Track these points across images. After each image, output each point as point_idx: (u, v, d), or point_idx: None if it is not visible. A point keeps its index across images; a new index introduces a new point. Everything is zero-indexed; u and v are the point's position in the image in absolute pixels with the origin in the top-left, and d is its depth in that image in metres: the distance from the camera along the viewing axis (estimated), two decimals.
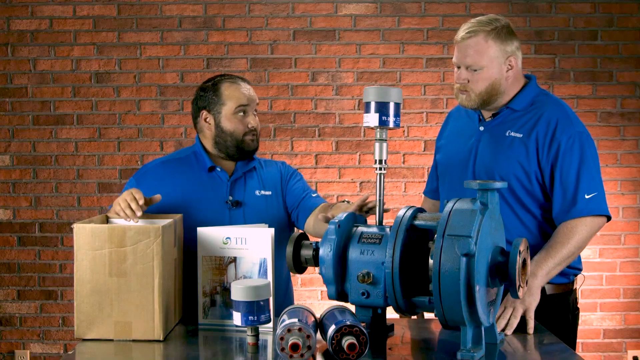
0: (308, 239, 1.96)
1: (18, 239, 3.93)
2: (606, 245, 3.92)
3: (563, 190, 2.12)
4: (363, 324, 1.83)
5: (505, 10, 3.87)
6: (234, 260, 2.01)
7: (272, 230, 2.00)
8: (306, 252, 1.92)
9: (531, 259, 2.05)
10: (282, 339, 1.64)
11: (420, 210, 1.88)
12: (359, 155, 3.94)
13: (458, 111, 2.40)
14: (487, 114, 2.27)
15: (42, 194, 3.92)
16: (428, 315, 2.10)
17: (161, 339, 1.87)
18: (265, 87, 3.90)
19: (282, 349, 1.64)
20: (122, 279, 1.86)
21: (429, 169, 2.61)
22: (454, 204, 1.74)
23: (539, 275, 2.03)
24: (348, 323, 1.66)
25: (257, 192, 2.35)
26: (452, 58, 2.22)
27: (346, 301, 1.88)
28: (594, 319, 3.92)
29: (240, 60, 3.91)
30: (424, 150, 3.92)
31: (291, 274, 2.18)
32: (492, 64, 2.14)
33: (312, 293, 3.93)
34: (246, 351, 1.82)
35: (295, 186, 2.41)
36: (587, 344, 3.91)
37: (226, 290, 2.00)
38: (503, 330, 1.95)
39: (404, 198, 3.92)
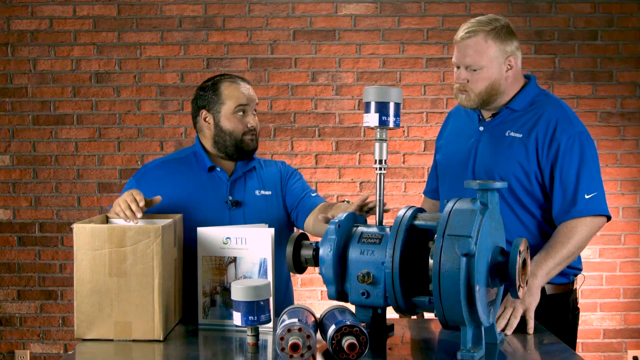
0: (308, 239, 1.96)
1: (18, 239, 3.93)
2: (606, 245, 3.92)
3: (563, 190, 2.12)
4: (363, 324, 1.83)
5: (505, 10, 3.87)
6: (234, 260, 2.01)
7: (272, 230, 2.00)
8: (306, 252, 1.92)
9: (531, 259, 2.05)
10: (282, 339, 1.64)
11: (420, 210, 1.88)
12: (359, 155, 3.94)
13: (458, 111, 2.40)
14: (486, 114, 2.27)
15: (42, 194, 3.92)
16: (428, 315, 2.10)
17: (161, 339, 1.87)
18: (265, 87, 3.90)
19: (282, 349, 1.64)
20: (122, 279, 1.86)
21: (429, 169, 2.61)
22: (454, 204, 1.74)
23: (539, 275, 2.03)
24: (348, 323, 1.66)
25: (257, 192, 2.35)
26: (452, 58, 2.22)
27: (346, 301, 1.88)
28: (594, 319, 3.92)
29: (240, 60, 3.91)
30: (424, 150, 3.92)
31: (291, 274, 2.18)
32: (492, 64, 2.14)
33: (312, 293, 3.93)
34: (246, 351, 1.82)
35: (294, 186, 2.41)
36: (587, 344, 3.92)
37: (226, 290, 2.00)
38: (503, 330, 1.95)
39: (404, 198, 3.92)
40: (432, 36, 3.91)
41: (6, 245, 3.93)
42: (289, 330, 1.64)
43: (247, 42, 3.91)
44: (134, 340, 1.87)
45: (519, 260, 1.70)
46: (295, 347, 1.63)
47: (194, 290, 2.07)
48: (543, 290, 2.08)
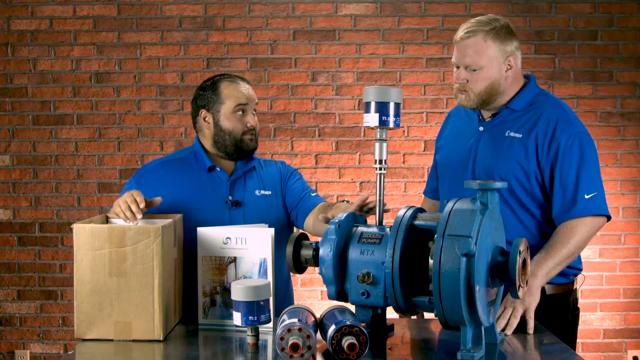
0: (308, 239, 1.96)
1: (18, 239, 3.93)
2: (606, 245, 3.92)
3: (563, 190, 2.12)
4: (363, 324, 1.83)
5: (505, 10, 3.87)
6: (234, 260, 2.01)
7: (272, 230, 2.00)
8: (306, 252, 1.92)
9: (531, 259, 2.05)
10: (282, 339, 1.64)
11: (420, 210, 1.88)
12: (359, 155, 3.94)
13: (458, 111, 2.40)
14: (486, 114, 2.27)
15: (42, 194, 3.92)
16: (428, 315, 2.10)
17: (161, 339, 1.87)
18: (265, 87, 3.90)
19: (282, 349, 1.64)
20: (122, 279, 1.86)
21: (429, 169, 2.61)
22: (454, 204, 1.74)
23: (538, 275, 2.03)
24: (348, 323, 1.66)
25: (256, 192, 2.35)
26: (452, 58, 2.22)
27: (346, 301, 1.88)
28: (594, 319, 3.92)
29: (240, 60, 3.91)
30: (424, 150, 3.92)
31: (291, 273, 2.18)
32: (492, 63, 2.14)
33: (312, 293, 3.93)
34: (246, 351, 1.82)
35: (294, 185, 2.41)
36: (587, 344, 3.92)
37: (226, 290, 2.00)
38: (503, 330, 1.95)
39: (404, 198, 3.92)
40: (432, 36, 3.91)
41: (6, 245, 3.93)
42: (289, 330, 1.64)
43: (247, 42, 3.91)
44: (134, 340, 1.87)
45: (519, 260, 1.70)
46: (295, 347, 1.63)
47: (194, 290, 2.07)
48: (543, 290, 2.08)
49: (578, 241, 2.09)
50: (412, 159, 3.93)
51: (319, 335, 1.80)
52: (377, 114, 1.88)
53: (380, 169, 1.91)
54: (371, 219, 1.97)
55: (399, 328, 2.01)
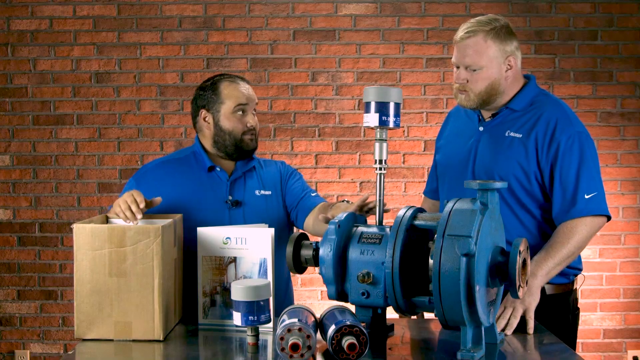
0: (308, 239, 1.96)
1: (18, 239, 3.93)
2: (606, 245, 3.92)
3: (563, 190, 2.12)
4: (363, 324, 1.83)
5: (505, 10, 3.87)
6: (234, 260, 2.01)
7: (272, 230, 2.00)
8: (306, 252, 1.92)
9: (531, 259, 2.05)
10: (282, 339, 1.64)
11: (420, 210, 1.88)
12: (359, 155, 3.94)
13: (458, 111, 2.40)
14: (486, 114, 2.27)
15: (42, 194, 3.92)
16: (428, 315, 2.10)
17: (161, 339, 1.87)
18: (265, 87, 3.90)
19: (282, 349, 1.64)
20: (122, 279, 1.86)
21: (429, 169, 2.61)
22: (454, 204, 1.74)
23: (538, 275, 2.03)
24: (348, 323, 1.66)
25: (256, 192, 2.35)
26: (452, 58, 2.22)
27: (346, 301, 1.88)
28: (594, 319, 3.92)
29: (240, 60, 3.91)
30: (424, 150, 3.92)
31: (291, 273, 2.18)
32: (491, 64, 2.14)
33: (312, 293, 3.93)
34: (246, 351, 1.82)
35: (294, 185, 2.41)
36: (587, 344, 3.92)
37: (226, 290, 2.00)
38: (503, 330, 1.95)
39: (404, 198, 3.92)
40: (432, 36, 3.91)
41: (6, 245, 3.93)
42: (289, 330, 1.64)
43: (247, 42, 3.91)
44: (134, 340, 1.87)
45: (519, 260, 1.70)
46: (295, 347, 1.63)
47: (194, 290, 2.07)
48: (543, 290, 2.08)
49: (578, 241, 2.09)
50: (412, 159, 3.93)
51: (319, 335, 1.80)
52: (377, 114, 1.88)
53: (380, 169, 1.91)
54: (371, 219, 1.97)
55: (399, 328, 2.01)
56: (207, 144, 2.36)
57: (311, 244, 1.93)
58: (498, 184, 1.74)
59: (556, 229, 2.12)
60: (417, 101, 3.92)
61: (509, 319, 1.97)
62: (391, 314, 1.92)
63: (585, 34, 3.90)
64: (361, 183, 3.94)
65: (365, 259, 1.81)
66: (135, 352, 1.84)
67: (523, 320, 1.98)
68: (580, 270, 2.25)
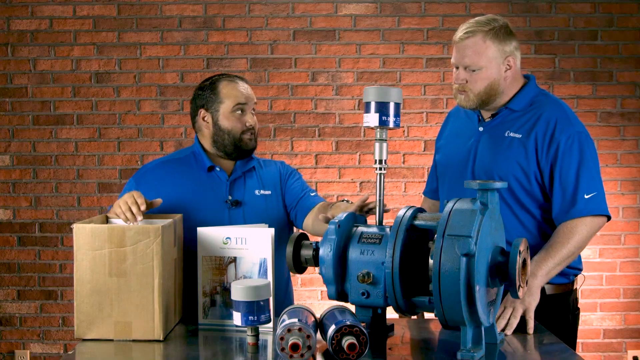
0: (308, 239, 1.96)
1: (18, 239, 3.93)
2: (606, 245, 3.92)
3: (562, 190, 2.12)
4: (363, 324, 1.83)
5: (505, 10, 3.87)
6: (234, 260, 2.01)
7: (272, 230, 2.00)
8: (306, 252, 1.92)
9: (531, 259, 2.05)
10: (282, 339, 1.64)
11: (420, 210, 1.88)
12: (359, 155, 3.94)
13: (457, 111, 2.40)
14: (486, 114, 2.27)
15: (42, 194, 3.93)
16: (428, 315, 2.10)
17: (161, 339, 1.87)
18: (265, 87, 3.90)
19: (282, 349, 1.64)
20: (122, 279, 1.86)
21: (429, 169, 2.61)
22: (454, 204, 1.74)
23: (538, 275, 2.03)
24: (348, 323, 1.66)
25: (256, 192, 2.35)
26: (451, 58, 2.22)
27: (346, 301, 1.88)
28: (594, 319, 3.92)
29: (240, 60, 3.91)
30: (424, 150, 3.92)
31: (291, 273, 2.18)
32: (491, 64, 2.14)
33: (312, 293, 3.93)
34: (246, 351, 1.82)
35: (294, 185, 2.41)
36: (587, 344, 3.92)
37: (226, 290, 2.00)
38: (503, 330, 1.95)
39: (404, 198, 3.93)
40: (432, 36, 3.91)
41: (6, 245, 3.93)
42: (289, 330, 1.64)
43: (247, 42, 3.91)
44: (134, 340, 1.87)
45: (519, 260, 1.70)
46: (295, 347, 1.63)
47: (194, 290, 2.07)
48: (543, 290, 2.08)
49: (578, 241, 2.09)
50: (412, 159, 3.93)
51: (319, 335, 1.80)
52: (377, 114, 1.88)
53: (380, 169, 1.91)
54: (371, 219, 1.97)
55: (399, 328, 2.01)
56: (207, 143, 2.35)
57: (311, 244, 1.93)
58: (498, 184, 1.74)
59: (556, 229, 2.12)
60: (417, 101, 3.92)
61: (509, 319, 1.97)
62: (391, 314, 1.92)
63: (585, 34, 3.90)
64: (361, 183, 3.94)
65: (365, 259, 1.81)
66: (135, 352, 1.84)
67: (523, 320, 1.98)
68: (580, 270, 2.25)
